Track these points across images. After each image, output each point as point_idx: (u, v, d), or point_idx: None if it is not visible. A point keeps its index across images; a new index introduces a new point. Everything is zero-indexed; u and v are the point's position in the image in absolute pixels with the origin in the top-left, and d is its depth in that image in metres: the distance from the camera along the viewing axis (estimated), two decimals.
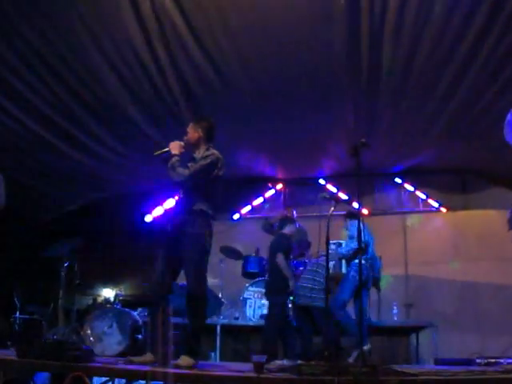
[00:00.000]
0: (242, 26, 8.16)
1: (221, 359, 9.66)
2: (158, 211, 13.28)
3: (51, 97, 9.72)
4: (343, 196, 12.19)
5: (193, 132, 6.72)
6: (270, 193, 13.49)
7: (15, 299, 10.30)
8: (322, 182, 12.95)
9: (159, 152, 6.70)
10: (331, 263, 9.16)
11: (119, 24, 8.34)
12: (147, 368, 5.74)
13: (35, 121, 10.32)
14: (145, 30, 8.39)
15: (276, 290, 9.06)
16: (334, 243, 9.46)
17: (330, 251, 7.03)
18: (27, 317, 10.26)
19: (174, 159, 6.48)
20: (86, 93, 9.69)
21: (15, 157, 11.35)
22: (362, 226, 6.85)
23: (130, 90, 9.56)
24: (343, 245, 9.50)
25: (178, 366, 5.82)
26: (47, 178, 12.38)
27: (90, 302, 11.64)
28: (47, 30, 8.54)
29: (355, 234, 8.09)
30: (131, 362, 6.12)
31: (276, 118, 10.13)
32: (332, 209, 7.32)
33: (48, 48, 8.86)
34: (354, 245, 8.71)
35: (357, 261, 8.45)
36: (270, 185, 13.47)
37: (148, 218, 13.37)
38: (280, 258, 8.96)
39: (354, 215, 9.09)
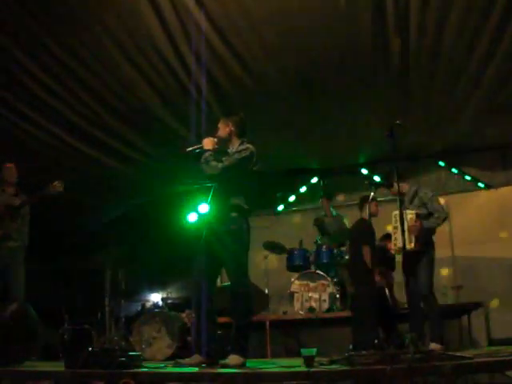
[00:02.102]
0: (265, 16, 8.09)
1: (272, 355, 9.60)
2: (198, 211, 13.26)
3: (85, 110, 9.86)
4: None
5: (224, 127, 6.64)
6: (309, 184, 13.37)
7: (63, 310, 10.33)
8: (360, 169, 12.78)
9: (192, 148, 6.64)
10: None
11: (143, 29, 8.37)
12: (196, 369, 5.71)
13: (72, 135, 10.43)
14: (169, 32, 8.40)
15: (358, 282, 8.95)
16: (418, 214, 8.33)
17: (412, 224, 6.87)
18: (76, 327, 10.27)
19: (208, 154, 6.41)
20: (117, 101, 9.77)
21: (55, 171, 11.41)
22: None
23: (160, 93, 9.57)
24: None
25: (226, 366, 5.76)
26: (88, 188, 12.45)
27: (139, 307, 11.65)
28: (75, 45, 8.62)
29: (431, 203, 8.06)
30: (179, 365, 6.07)
31: (308, 108, 10.03)
32: (372, 194, 7.19)
33: (77, 63, 8.95)
34: (443, 218, 8.15)
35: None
36: (308, 175, 13.35)
37: (190, 219, 13.35)
38: (365, 251, 8.79)
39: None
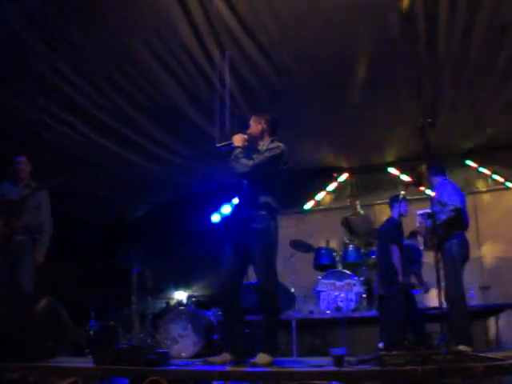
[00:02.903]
0: (293, 13, 8.07)
1: (298, 354, 9.57)
2: (225, 210, 13.26)
3: (113, 108, 9.87)
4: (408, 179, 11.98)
5: (256, 124, 6.61)
6: (336, 183, 13.33)
7: (90, 307, 10.36)
8: (388, 168, 12.69)
9: (222, 144, 6.62)
10: None
11: (171, 26, 8.37)
12: (225, 368, 5.69)
13: (100, 133, 10.47)
14: (196, 30, 8.41)
15: (386, 282, 8.89)
16: (422, 214, 8.18)
17: (418, 224, 6.79)
18: (102, 324, 10.30)
19: (238, 151, 6.39)
20: (146, 100, 9.79)
21: (84, 169, 11.48)
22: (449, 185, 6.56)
23: (187, 91, 9.58)
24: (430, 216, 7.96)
25: (255, 364, 5.74)
26: (116, 187, 12.52)
27: (164, 305, 11.67)
28: (106, 45, 8.64)
29: (445, 195, 7.70)
30: (208, 363, 6.06)
31: (336, 106, 9.99)
32: (402, 193, 7.12)
33: (107, 61, 8.98)
34: (451, 209, 7.63)
35: (458, 232, 7.75)
36: (335, 174, 13.30)
37: (216, 217, 13.35)
38: (394, 251, 8.73)
39: (439, 170, 8.20)
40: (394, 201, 9.14)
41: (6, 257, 8.04)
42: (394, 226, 8.98)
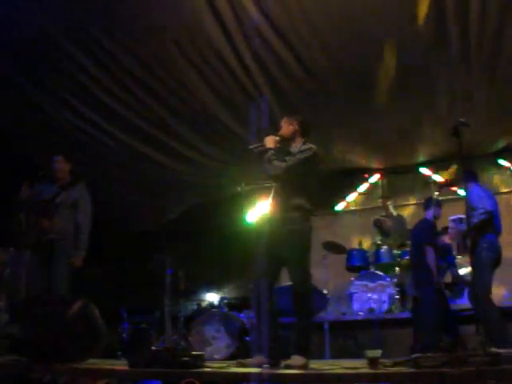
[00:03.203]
0: (325, 16, 8.07)
1: (331, 357, 9.53)
2: (257, 211, 13.24)
3: (145, 111, 9.98)
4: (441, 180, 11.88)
5: (287, 126, 6.57)
6: (368, 184, 13.28)
7: (122, 309, 10.39)
8: (420, 168, 12.60)
9: (254, 146, 6.60)
10: None
11: (201, 29, 8.41)
12: (259, 370, 5.67)
13: (133, 136, 10.55)
14: (227, 33, 8.45)
15: (421, 284, 8.84)
16: (455, 219, 8.49)
17: (450, 230, 6.72)
18: (135, 326, 10.32)
19: (270, 153, 6.37)
20: (178, 103, 9.86)
21: (118, 172, 11.55)
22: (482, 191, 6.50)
23: (219, 94, 9.61)
24: (463, 221, 8.36)
25: (289, 366, 5.71)
26: (148, 189, 12.56)
27: (195, 307, 11.67)
28: (139, 51, 8.73)
29: (476, 199, 7.67)
30: (242, 365, 6.04)
31: (368, 107, 9.95)
32: (436, 194, 7.05)
33: (141, 68, 9.05)
34: (481, 212, 7.65)
35: (488, 236, 7.70)
36: (367, 175, 13.25)
37: (249, 219, 13.34)
38: (428, 253, 8.67)
39: (471, 175, 8.16)
40: (428, 202, 9.08)
41: (38, 258, 8.04)
42: (428, 227, 8.91)
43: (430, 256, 8.59)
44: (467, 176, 7.98)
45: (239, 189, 10.80)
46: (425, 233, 8.87)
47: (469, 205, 7.61)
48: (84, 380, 5.99)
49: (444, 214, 9.14)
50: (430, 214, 9.00)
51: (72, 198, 8.24)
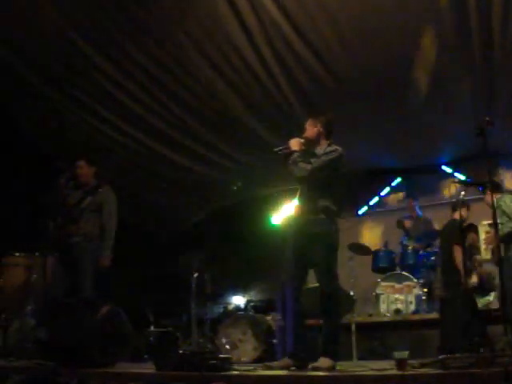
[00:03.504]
0: (346, 16, 8.08)
1: (358, 358, 9.50)
2: (283, 213, 13.22)
3: (170, 116, 9.97)
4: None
5: (312, 127, 6.55)
6: (392, 184, 13.23)
7: (148, 313, 10.41)
8: (444, 168, 12.52)
9: (279, 148, 6.60)
10: None
11: (224, 33, 8.44)
12: (287, 372, 5.67)
13: (157, 139, 10.58)
14: (249, 35, 8.46)
15: (449, 284, 8.81)
16: (490, 224, 8.23)
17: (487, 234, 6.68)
18: (161, 329, 10.34)
19: (295, 155, 6.38)
20: (201, 106, 9.86)
21: (142, 176, 11.60)
22: None
23: (242, 96, 9.62)
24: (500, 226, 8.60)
25: (317, 369, 5.70)
26: (173, 192, 12.60)
27: (222, 310, 11.68)
28: (159, 53, 8.77)
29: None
30: (269, 368, 6.03)
31: (391, 107, 9.93)
32: (463, 193, 7.02)
33: (161, 70, 9.11)
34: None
35: None
36: (391, 176, 13.20)
37: (274, 221, 13.33)
38: (456, 253, 8.65)
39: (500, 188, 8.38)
40: (456, 204, 9.03)
41: (64, 262, 8.09)
42: (455, 227, 8.86)
43: (458, 256, 8.55)
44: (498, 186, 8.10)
45: (234, 188, 10.79)
46: (452, 233, 8.83)
47: (504, 211, 7.90)
48: (115, 383, 6.03)
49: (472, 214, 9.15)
50: (457, 215, 8.97)
51: (97, 201, 8.28)
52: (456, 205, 9.06)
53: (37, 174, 10.55)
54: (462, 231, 8.77)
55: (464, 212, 8.93)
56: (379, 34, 8.37)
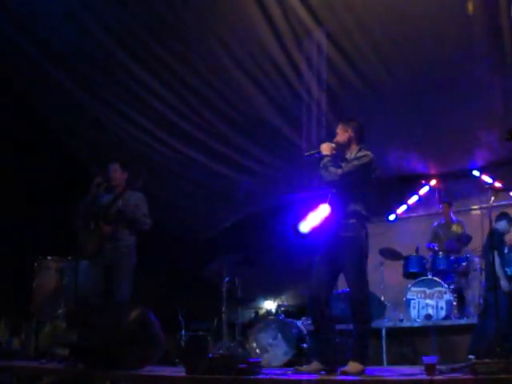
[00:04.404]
0: (377, 21, 8.08)
1: (388, 363, 9.49)
2: (313, 218, 13.19)
3: (198, 119, 9.99)
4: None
5: (343, 132, 6.56)
6: (424, 190, 13.18)
7: (180, 317, 10.46)
8: (476, 173, 12.44)
9: (310, 153, 6.63)
10: None
11: (254, 36, 8.48)
12: (316, 377, 5.67)
13: (185, 144, 10.62)
14: (280, 39, 8.49)
15: (489, 288, 8.84)
16: None
17: None
18: (192, 333, 10.38)
19: (326, 159, 6.39)
20: (231, 110, 9.91)
21: (170, 180, 11.66)
22: None
23: (273, 100, 9.67)
24: None
25: (346, 373, 5.70)
26: (204, 198, 12.65)
27: (253, 315, 11.70)
28: (189, 56, 8.82)
29: None
30: (299, 372, 6.05)
31: (422, 112, 9.89)
32: (492, 199, 7.01)
33: (191, 73, 9.14)
34: None
35: None
36: (423, 181, 13.15)
37: (304, 226, 13.31)
38: (494, 258, 8.68)
39: None
40: (500, 217, 9.26)
41: (99, 265, 8.11)
42: (496, 234, 8.93)
43: (496, 261, 8.58)
44: None
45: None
46: (492, 239, 8.87)
47: None
48: None
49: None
50: (500, 224, 9.07)
51: (131, 203, 8.30)
52: (499, 218, 9.15)
53: (71, 177, 10.66)
54: (503, 240, 8.85)
55: (505, 225, 9.04)
56: (411, 40, 8.36)
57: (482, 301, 9.66)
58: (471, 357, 8.18)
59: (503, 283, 8.65)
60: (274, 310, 10.77)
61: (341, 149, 6.55)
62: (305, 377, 5.66)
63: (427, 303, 10.09)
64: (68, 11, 8.71)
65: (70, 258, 9.42)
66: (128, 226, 8.22)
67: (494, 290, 8.35)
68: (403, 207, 13.35)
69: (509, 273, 8.87)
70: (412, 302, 10.23)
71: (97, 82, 9.93)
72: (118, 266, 8.04)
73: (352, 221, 6.24)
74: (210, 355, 6.19)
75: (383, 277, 10.84)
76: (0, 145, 10.33)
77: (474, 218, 9.86)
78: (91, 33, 8.93)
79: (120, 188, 8.38)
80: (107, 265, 8.03)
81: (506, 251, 9.05)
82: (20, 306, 9.67)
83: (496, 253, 8.67)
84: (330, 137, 6.69)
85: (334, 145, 6.53)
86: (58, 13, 8.78)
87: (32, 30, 9.21)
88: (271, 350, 9.33)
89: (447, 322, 9.83)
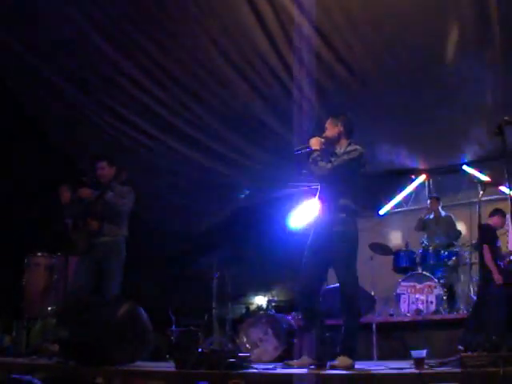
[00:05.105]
0: (367, 16, 8.11)
1: (378, 357, 9.50)
2: (302, 213, 13.22)
3: (189, 115, 10.04)
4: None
5: (332, 127, 6.57)
6: (413, 184, 13.19)
7: (170, 312, 10.46)
8: (465, 168, 12.45)
9: (299, 148, 6.63)
10: None
11: (243, 31, 8.48)
12: (306, 371, 5.69)
13: (177, 140, 10.65)
14: (269, 34, 8.52)
15: (484, 282, 8.88)
16: None
17: None
18: (183, 329, 10.38)
19: (315, 154, 6.40)
20: (221, 105, 9.93)
21: (162, 175, 11.66)
22: None
23: (262, 95, 9.70)
24: None
25: (336, 367, 5.72)
26: (194, 194, 12.64)
27: (244, 310, 11.71)
28: (178, 51, 8.81)
29: None
30: (289, 366, 6.06)
31: (412, 107, 9.91)
32: (481, 193, 7.04)
33: (181, 68, 9.18)
34: None
35: None
36: (412, 176, 13.17)
37: (294, 221, 13.34)
38: (486, 252, 8.75)
39: None
40: (494, 212, 9.42)
41: (88, 261, 8.08)
42: (488, 229, 9.05)
43: (487, 255, 8.64)
44: None
45: (243, 196, 10.84)
46: (484, 233, 8.92)
47: None
48: (136, 381, 6.07)
49: (488, 212, 9.19)
50: (493, 219, 9.18)
51: (117, 194, 8.26)
52: (493, 213, 9.21)
53: (59, 174, 10.64)
54: (495, 234, 8.92)
55: (497, 221, 9.11)
56: (401, 34, 8.37)
57: (472, 295, 9.69)
58: (460, 347, 8.25)
59: (496, 277, 8.69)
60: (264, 306, 10.79)
61: (330, 143, 6.56)
62: (295, 371, 5.68)
63: (417, 298, 10.13)
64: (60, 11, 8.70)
65: (59, 254, 9.40)
66: (115, 220, 8.19)
67: (487, 283, 8.44)
68: (393, 202, 13.37)
69: (502, 266, 8.93)
70: (402, 296, 10.27)
71: (88, 80, 9.92)
72: (108, 261, 8.01)
73: (342, 215, 6.25)
74: (200, 350, 6.19)
75: (373, 271, 10.84)
76: None
77: (464, 213, 9.83)
78: (84, 33, 8.92)
79: (108, 183, 8.36)
80: (96, 261, 8.00)
81: (498, 244, 9.12)
82: (10, 303, 9.65)
83: (488, 247, 8.72)
84: (320, 131, 6.70)
85: (323, 139, 6.54)
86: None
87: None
88: (262, 345, 9.35)
89: (437, 317, 9.85)
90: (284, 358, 8.07)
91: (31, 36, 9.20)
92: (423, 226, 11.50)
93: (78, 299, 7.64)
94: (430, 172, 13.01)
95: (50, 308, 9.20)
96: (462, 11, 7.80)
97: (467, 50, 8.50)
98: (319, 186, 6.59)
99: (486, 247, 8.75)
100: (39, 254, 9.48)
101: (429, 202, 11.87)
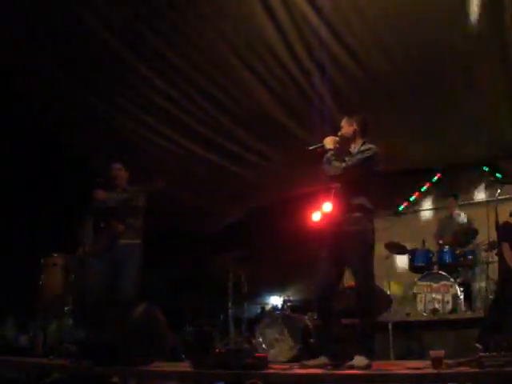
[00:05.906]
0: (380, 15, 8.10)
1: (395, 357, 9.48)
2: (319, 213, 13.20)
3: (204, 115, 10.10)
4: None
5: (348, 126, 6.55)
6: (429, 183, 13.14)
7: (185, 312, 10.47)
8: (482, 167, 12.39)
9: (313, 147, 6.62)
10: None
11: (258, 32, 8.52)
12: (322, 371, 5.67)
13: (192, 140, 10.66)
14: (283, 34, 8.55)
15: (503, 280, 8.85)
16: None
17: None
18: (199, 329, 10.38)
19: (329, 153, 6.39)
20: (235, 106, 9.98)
21: (177, 176, 11.67)
22: None
23: (276, 95, 9.71)
24: None
25: (353, 367, 5.70)
26: (210, 194, 12.65)
27: (259, 310, 11.70)
28: (193, 53, 8.83)
29: None
30: (305, 367, 6.05)
31: (428, 106, 9.88)
32: (498, 191, 7.00)
33: (196, 71, 9.18)
34: None
35: None
36: (428, 175, 13.12)
37: (311, 221, 13.31)
38: (505, 249, 8.71)
39: None
40: None
41: (106, 262, 8.12)
42: (508, 227, 8.93)
43: (507, 252, 8.60)
44: None
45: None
46: (504, 232, 8.88)
47: None
48: (152, 381, 6.08)
49: (505, 210, 9.13)
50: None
51: (132, 199, 8.31)
52: None
53: (75, 175, 10.67)
54: None
55: None
56: (414, 33, 8.35)
57: (489, 294, 9.64)
58: (478, 345, 8.22)
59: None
60: (280, 305, 10.77)
61: (345, 142, 6.54)
62: (311, 371, 5.67)
63: (434, 297, 10.06)
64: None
65: (76, 254, 9.44)
66: (135, 223, 8.26)
67: (506, 281, 8.39)
68: (409, 200, 13.33)
69: None
70: (419, 295, 10.20)
71: (102, 81, 9.94)
72: (125, 263, 8.07)
73: (357, 214, 6.22)
74: (217, 350, 6.18)
75: (389, 270, 10.83)
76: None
77: (480, 212, 9.78)
78: (96, 33, 8.94)
79: (121, 187, 8.41)
80: (114, 262, 8.06)
81: None
82: (27, 303, 9.69)
83: (508, 245, 8.68)
84: (334, 131, 6.68)
85: (337, 138, 6.53)
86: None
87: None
88: (278, 345, 9.32)
89: (454, 316, 9.81)
90: (300, 358, 8.06)
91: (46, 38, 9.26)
92: (442, 227, 11.45)
93: (95, 300, 7.67)
94: (446, 170, 12.96)
95: (66, 308, 9.23)
96: (476, 12, 7.78)
97: (480, 50, 8.47)
98: (334, 186, 6.57)
99: (506, 245, 8.71)
100: (56, 254, 9.51)
101: (448, 201, 11.81)
